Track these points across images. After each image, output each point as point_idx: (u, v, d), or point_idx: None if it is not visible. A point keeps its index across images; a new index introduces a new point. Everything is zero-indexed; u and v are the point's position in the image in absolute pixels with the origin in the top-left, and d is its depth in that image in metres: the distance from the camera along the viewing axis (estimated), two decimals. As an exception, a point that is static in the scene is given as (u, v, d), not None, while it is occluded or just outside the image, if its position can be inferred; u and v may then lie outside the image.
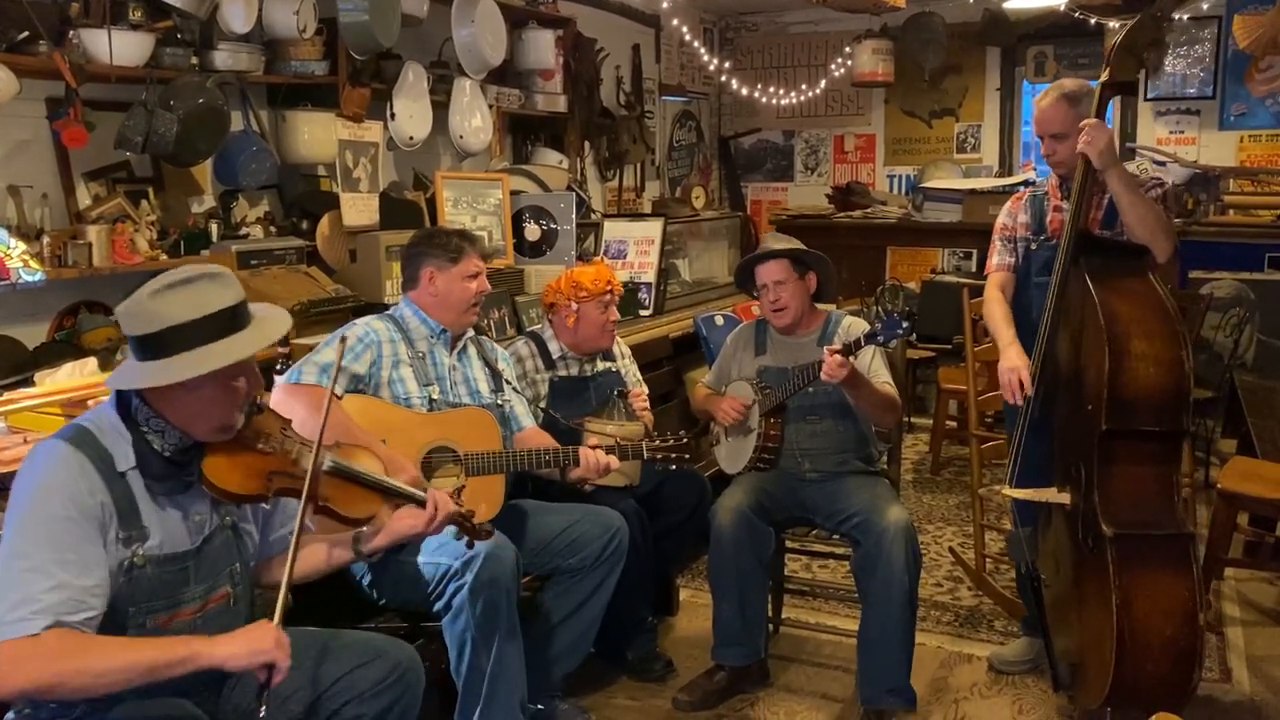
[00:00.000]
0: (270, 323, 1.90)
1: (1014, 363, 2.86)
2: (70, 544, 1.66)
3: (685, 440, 2.84)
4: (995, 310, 3.05)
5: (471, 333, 2.94)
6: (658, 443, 2.84)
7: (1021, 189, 3.24)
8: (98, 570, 1.69)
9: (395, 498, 2.07)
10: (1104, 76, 2.77)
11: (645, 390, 3.43)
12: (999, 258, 3.11)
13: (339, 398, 2.59)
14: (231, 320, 1.80)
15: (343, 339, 2.56)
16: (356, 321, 2.79)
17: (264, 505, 2.00)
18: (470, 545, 2.24)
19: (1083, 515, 2.62)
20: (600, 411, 3.22)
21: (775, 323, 3.20)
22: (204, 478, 1.82)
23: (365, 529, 2.06)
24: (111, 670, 1.63)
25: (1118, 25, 5.72)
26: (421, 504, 2.07)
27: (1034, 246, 3.02)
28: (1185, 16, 6.17)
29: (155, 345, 1.76)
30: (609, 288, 3.28)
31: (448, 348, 2.84)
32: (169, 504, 1.82)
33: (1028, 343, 2.91)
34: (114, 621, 1.74)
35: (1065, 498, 2.72)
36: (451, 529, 2.17)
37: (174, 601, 1.81)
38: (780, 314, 3.17)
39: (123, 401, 1.82)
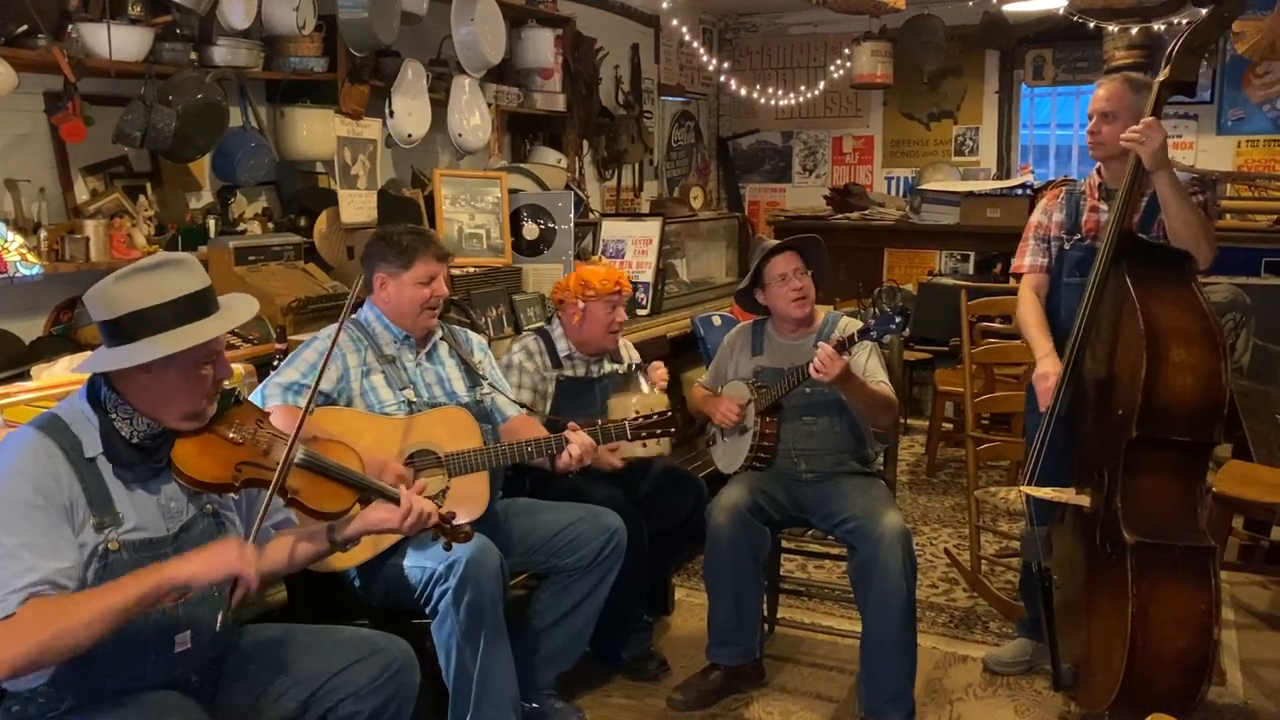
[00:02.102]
0: (235, 309, 1.90)
1: (1049, 369, 2.82)
2: (39, 529, 1.68)
3: (669, 414, 2.79)
4: (1030, 315, 3.00)
5: (440, 331, 2.87)
6: (640, 420, 2.79)
7: (1019, 187, 3.21)
8: (68, 554, 1.70)
9: (369, 493, 2.02)
10: (1163, 76, 2.70)
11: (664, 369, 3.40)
12: (1031, 258, 3.06)
13: (310, 412, 2.56)
14: (196, 306, 1.82)
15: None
16: (319, 334, 2.73)
17: (232, 496, 1.97)
18: (448, 548, 2.17)
19: (1102, 520, 2.60)
20: (623, 388, 3.23)
21: (797, 313, 3.17)
22: (172, 464, 1.82)
23: (338, 522, 2.02)
24: (91, 620, 1.64)
25: (1117, 30, 5.73)
26: (396, 501, 2.01)
27: (1067, 246, 2.98)
28: (1184, 21, 6.17)
29: (119, 330, 1.79)
30: (617, 288, 3.27)
31: (414, 350, 2.80)
32: (141, 490, 1.83)
33: (1057, 343, 2.88)
34: None
35: (1085, 500, 2.70)
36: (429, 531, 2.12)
37: None
38: (803, 302, 3.16)
39: (93, 388, 1.84)
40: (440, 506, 2.17)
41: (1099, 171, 2.99)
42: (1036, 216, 3.09)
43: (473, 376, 2.87)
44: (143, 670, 1.81)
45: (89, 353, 2.83)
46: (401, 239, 2.76)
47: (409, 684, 2.06)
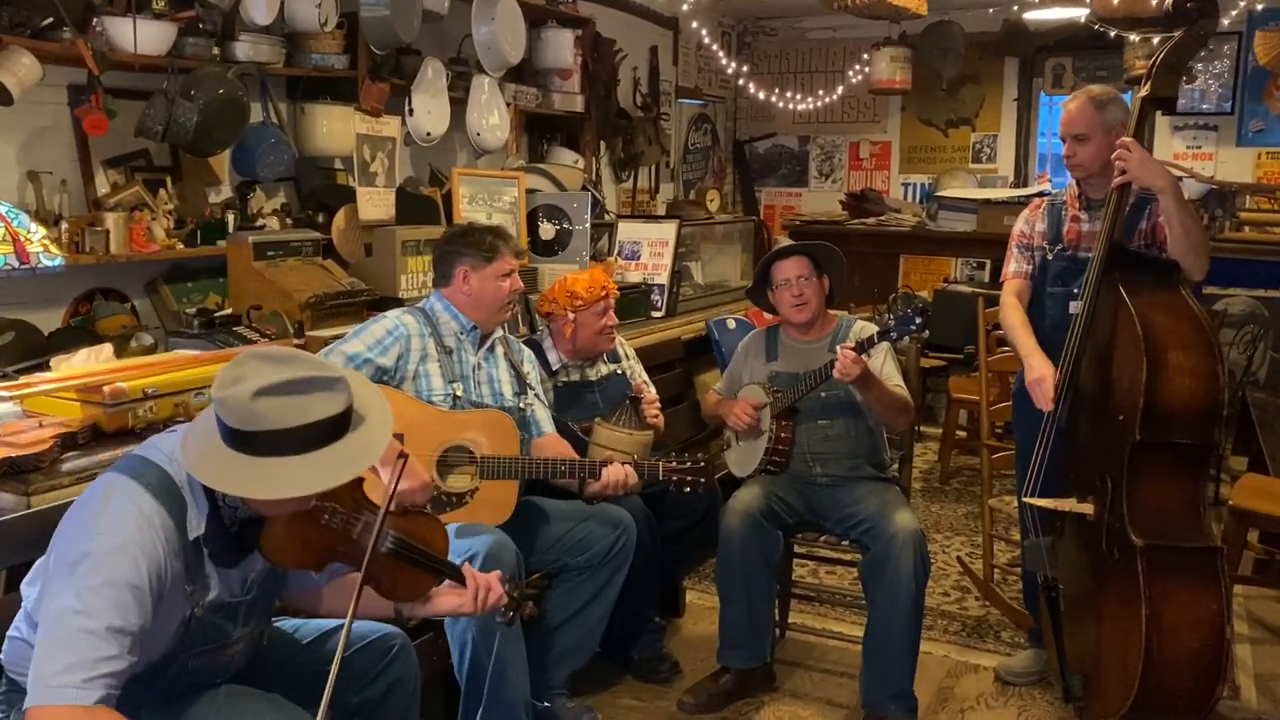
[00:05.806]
0: (371, 439, 1.73)
1: (1041, 371, 2.82)
2: (131, 614, 1.59)
3: (703, 464, 2.78)
4: (1014, 317, 3.01)
5: (500, 332, 2.93)
6: (674, 464, 2.77)
7: (1037, 197, 3.22)
8: (140, 648, 1.62)
9: (445, 575, 1.97)
10: (1144, 91, 2.74)
11: (655, 394, 3.41)
12: (1015, 265, 3.09)
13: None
14: (333, 429, 1.68)
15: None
16: (387, 314, 2.80)
17: (314, 574, 1.96)
18: (510, 623, 2.16)
19: (1108, 526, 2.60)
20: (610, 415, 3.21)
21: (796, 318, 3.19)
22: (262, 550, 1.76)
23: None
24: None
25: (1138, 39, 5.70)
26: (463, 582, 1.97)
27: (1050, 256, 3.01)
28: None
29: (249, 441, 1.65)
30: (604, 293, 3.24)
31: (475, 345, 2.84)
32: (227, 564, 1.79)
33: (1045, 353, 2.89)
34: (163, 665, 1.73)
35: (1087, 508, 2.69)
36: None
37: (222, 644, 1.81)
38: (802, 309, 3.16)
39: None
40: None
41: (1078, 182, 3.00)
42: (1019, 226, 3.11)
43: (520, 384, 2.91)
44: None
45: (107, 344, 2.86)
46: (484, 235, 2.85)
47: (409, 666, 2.06)
